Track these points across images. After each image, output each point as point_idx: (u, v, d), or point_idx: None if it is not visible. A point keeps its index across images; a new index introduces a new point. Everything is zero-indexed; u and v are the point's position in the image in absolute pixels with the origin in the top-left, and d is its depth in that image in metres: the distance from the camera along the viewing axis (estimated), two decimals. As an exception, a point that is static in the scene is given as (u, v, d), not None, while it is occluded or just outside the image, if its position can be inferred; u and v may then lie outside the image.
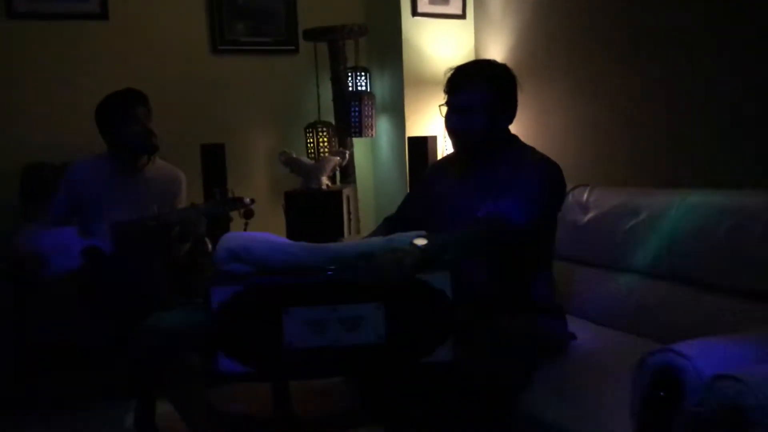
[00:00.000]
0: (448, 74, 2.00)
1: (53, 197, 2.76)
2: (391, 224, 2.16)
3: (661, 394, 1.34)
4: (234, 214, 2.60)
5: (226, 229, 2.87)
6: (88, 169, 2.70)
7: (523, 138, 3.03)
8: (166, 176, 2.73)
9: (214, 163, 3.20)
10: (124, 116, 2.58)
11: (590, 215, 2.42)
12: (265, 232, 1.95)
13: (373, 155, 3.91)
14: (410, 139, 3.34)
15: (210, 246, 2.75)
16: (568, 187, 2.54)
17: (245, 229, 2.44)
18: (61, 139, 3.27)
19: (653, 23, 2.55)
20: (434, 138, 3.25)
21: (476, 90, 1.94)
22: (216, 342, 1.62)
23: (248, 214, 2.53)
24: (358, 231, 3.52)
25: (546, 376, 1.79)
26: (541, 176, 1.90)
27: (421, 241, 1.71)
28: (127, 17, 3.42)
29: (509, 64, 3.21)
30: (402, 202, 2.27)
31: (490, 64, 2.04)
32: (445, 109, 2.00)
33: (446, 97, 1.99)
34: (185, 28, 3.53)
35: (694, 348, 1.37)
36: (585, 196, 2.50)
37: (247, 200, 2.52)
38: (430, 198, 2.11)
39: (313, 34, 3.49)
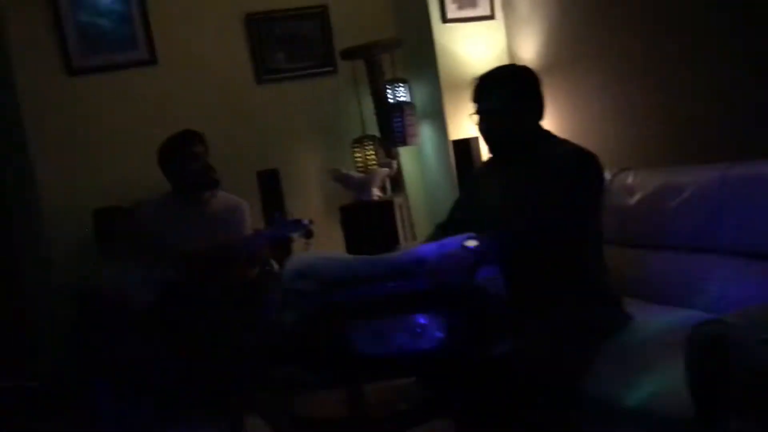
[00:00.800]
0: (474, 84, 2.12)
1: (126, 237, 2.97)
2: (442, 230, 2.27)
3: (711, 363, 1.41)
4: (298, 236, 2.74)
5: (288, 251, 3.04)
6: (155, 210, 2.90)
7: (561, 130, 3.11)
8: (230, 207, 2.90)
9: (270, 187, 3.36)
10: (183, 156, 2.77)
11: (636, 197, 2.47)
12: (325, 250, 2.09)
13: (420, 162, 4.02)
14: (454, 142, 3.44)
15: (275, 267, 2.92)
16: (612, 172, 2.62)
17: (307, 249, 2.59)
18: (127, 181, 3.48)
19: (677, 4, 2.59)
20: (477, 139, 3.34)
21: (499, 94, 2.06)
22: (293, 355, 1.76)
23: (308, 235, 2.68)
24: (414, 237, 3.64)
25: (607, 358, 1.87)
26: (579, 167, 2.00)
27: (472, 243, 1.83)
28: (174, 60, 3.62)
29: (540, 59, 3.36)
30: (451, 208, 2.38)
31: (511, 68, 2.17)
32: (476, 117, 2.12)
33: (474, 105, 2.11)
34: (230, 64, 3.72)
35: (738, 317, 1.44)
36: (629, 179, 2.55)
37: (306, 221, 2.67)
38: (477, 200, 2.22)
39: (349, 54, 3.63)
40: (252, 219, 3.03)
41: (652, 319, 2.09)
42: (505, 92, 2.06)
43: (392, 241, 3.40)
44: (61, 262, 3.45)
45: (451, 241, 1.88)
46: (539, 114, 2.13)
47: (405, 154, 3.85)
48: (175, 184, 2.87)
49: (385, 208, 3.46)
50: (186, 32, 3.64)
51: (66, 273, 3.40)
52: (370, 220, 3.46)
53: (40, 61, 3.46)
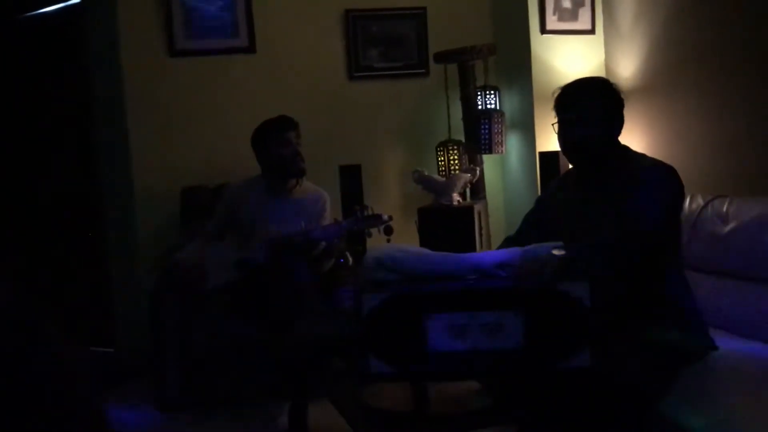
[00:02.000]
0: (556, 93, 2.11)
1: (210, 217, 3.05)
2: (511, 244, 2.24)
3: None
4: (374, 232, 2.76)
5: (364, 244, 3.05)
6: (242, 191, 2.97)
7: (655, 151, 3.03)
8: (312, 197, 2.95)
9: (351, 182, 3.39)
10: (277, 140, 2.83)
11: (731, 226, 2.37)
12: (406, 243, 2.09)
13: (503, 171, 3.98)
14: (541, 154, 3.38)
15: (351, 260, 2.94)
16: (706, 198, 2.53)
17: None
18: (215, 163, 3.59)
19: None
20: (564, 152, 3.28)
21: (585, 104, 2.05)
22: (366, 345, 1.76)
23: (388, 231, 2.69)
24: (489, 246, 3.60)
25: (687, 384, 1.80)
26: (660, 181, 1.97)
27: (558, 251, 1.79)
28: (272, 50, 3.69)
29: (639, 78, 3.28)
30: (522, 221, 2.35)
31: (593, 79, 2.19)
32: (557, 126, 2.11)
33: (556, 116, 2.11)
34: (324, 57, 3.77)
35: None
36: (725, 207, 2.45)
37: (385, 217, 2.68)
38: (551, 214, 2.19)
39: (443, 57, 3.63)
40: (331, 211, 3.06)
41: (737, 352, 2.00)
42: (586, 103, 2.05)
43: (468, 248, 3.37)
44: (147, 236, 3.57)
45: (537, 248, 1.85)
46: (618, 129, 2.10)
47: (488, 161, 3.82)
48: (265, 167, 2.93)
49: (465, 213, 3.43)
50: (285, 23, 3.71)
51: (151, 248, 3.52)
52: (448, 224, 3.44)
53: (145, 41, 3.58)
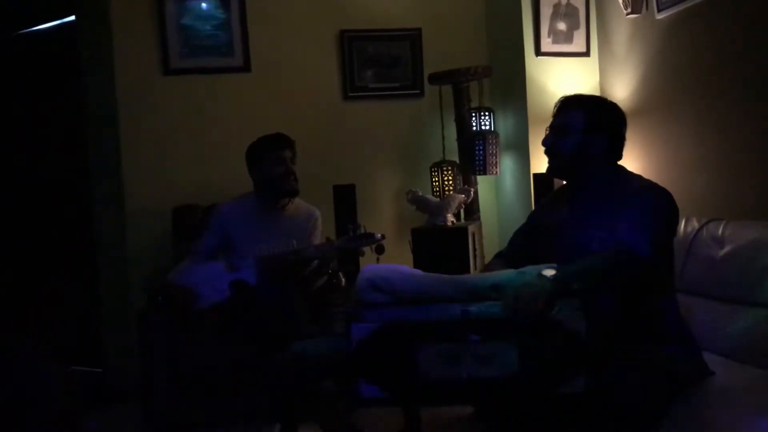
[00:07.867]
0: (558, 102, 2.13)
1: (202, 235, 3.02)
2: (502, 259, 2.22)
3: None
4: (366, 250, 2.74)
5: (356, 264, 3.03)
6: (234, 209, 2.94)
7: (649, 172, 3.02)
8: (304, 214, 2.92)
9: (345, 202, 3.38)
10: (272, 157, 2.81)
11: (726, 250, 2.35)
12: (398, 264, 2.06)
13: (497, 192, 3.97)
14: (536, 175, 3.38)
15: (343, 280, 2.91)
16: (701, 221, 2.52)
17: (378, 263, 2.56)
18: (207, 182, 3.56)
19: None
20: (559, 174, 3.27)
21: (571, 113, 2.06)
22: (357, 370, 1.73)
23: (379, 250, 2.67)
24: (483, 267, 3.57)
25: (684, 410, 1.77)
26: (655, 203, 1.95)
27: (550, 272, 1.77)
28: (267, 69, 3.69)
29: (635, 100, 3.28)
30: (512, 237, 2.32)
31: (594, 97, 2.18)
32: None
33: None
34: (319, 77, 3.77)
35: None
36: (720, 230, 2.43)
37: (378, 236, 2.66)
38: (541, 231, 2.17)
39: (438, 78, 3.63)
40: (323, 230, 3.04)
41: (733, 377, 1.98)
42: (577, 113, 2.05)
43: (462, 269, 3.35)
44: (138, 255, 3.54)
45: (529, 270, 1.83)
46: (612, 148, 2.09)
47: (483, 182, 3.81)
48: (257, 184, 2.91)
49: (459, 234, 3.41)
50: (280, 43, 3.71)
51: (142, 267, 3.48)
52: (441, 245, 3.41)
53: (139, 59, 3.58)
